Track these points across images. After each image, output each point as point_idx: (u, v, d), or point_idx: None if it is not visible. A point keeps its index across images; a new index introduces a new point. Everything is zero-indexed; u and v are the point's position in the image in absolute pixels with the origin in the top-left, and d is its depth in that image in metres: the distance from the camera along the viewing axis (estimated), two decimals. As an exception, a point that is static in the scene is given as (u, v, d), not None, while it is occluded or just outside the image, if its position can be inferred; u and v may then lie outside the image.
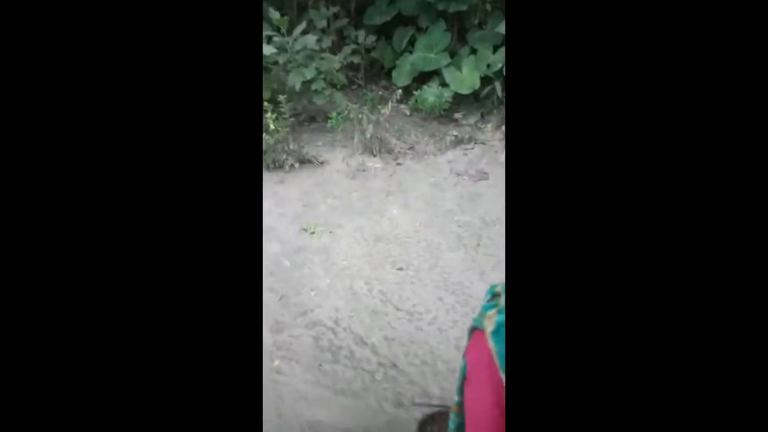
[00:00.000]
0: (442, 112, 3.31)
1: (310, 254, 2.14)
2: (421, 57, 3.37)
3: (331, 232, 2.30)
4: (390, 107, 2.96)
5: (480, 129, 3.36)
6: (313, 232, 2.28)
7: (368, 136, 2.90)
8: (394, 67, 3.87)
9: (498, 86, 3.24)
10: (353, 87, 3.95)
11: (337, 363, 1.62)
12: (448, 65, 3.29)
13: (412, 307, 1.85)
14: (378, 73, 4.17)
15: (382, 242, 2.23)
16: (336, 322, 1.78)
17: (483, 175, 2.83)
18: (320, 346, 1.68)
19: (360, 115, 3.02)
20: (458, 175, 2.84)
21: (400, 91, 3.04)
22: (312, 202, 2.55)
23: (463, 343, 1.68)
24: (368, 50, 3.92)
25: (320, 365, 1.61)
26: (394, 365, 1.60)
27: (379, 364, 1.61)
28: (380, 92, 3.90)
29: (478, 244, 2.21)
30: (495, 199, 2.58)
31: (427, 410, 1.47)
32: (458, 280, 2.00)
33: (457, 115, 3.48)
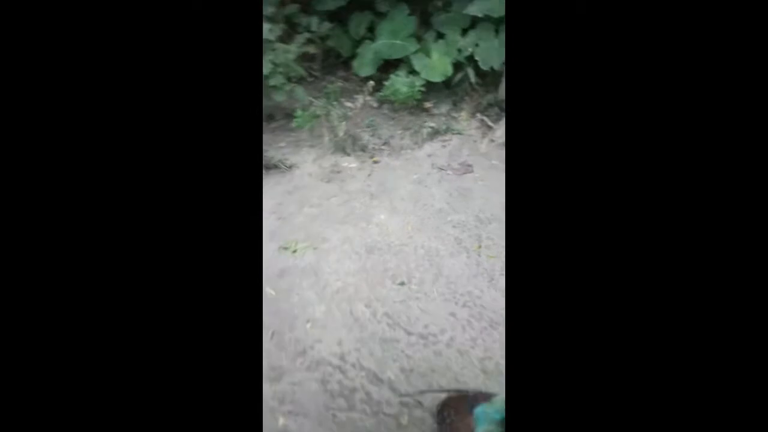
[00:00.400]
0: (415, 103, 3.08)
1: (297, 277, 1.85)
2: (386, 44, 3.11)
3: (315, 248, 2.02)
4: (363, 100, 2.69)
5: (454, 118, 3.18)
6: (294, 251, 1.99)
7: (341, 133, 2.62)
8: (353, 57, 3.59)
9: (471, 72, 3.07)
10: (310, 80, 3.62)
11: (353, 410, 1.37)
12: (416, 52, 3.06)
13: (425, 329, 1.63)
14: (335, 63, 3.86)
15: (376, 253, 1.98)
16: (342, 358, 1.52)
17: (467, 168, 2.66)
18: (330, 391, 1.42)
19: (327, 111, 2.73)
20: (441, 169, 2.65)
21: (372, 82, 2.77)
22: (287, 214, 2.24)
23: (489, 365, 1.51)
24: (323, 39, 3.60)
25: (334, 416, 1.35)
26: (419, 404, 1.38)
27: (402, 404, 1.39)
28: (340, 84, 3.61)
29: (480, 246, 2.03)
30: (486, 194, 2.42)
31: (443, 396, 1.36)
32: (467, 290, 1.80)
33: (428, 105, 3.27)
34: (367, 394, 1.41)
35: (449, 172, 2.62)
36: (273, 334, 1.60)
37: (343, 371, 1.48)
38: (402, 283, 1.83)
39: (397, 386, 1.43)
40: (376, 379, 1.45)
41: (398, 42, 3.10)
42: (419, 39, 3.18)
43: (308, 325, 1.64)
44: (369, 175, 2.59)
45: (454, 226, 2.17)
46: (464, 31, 3.11)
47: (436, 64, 3.05)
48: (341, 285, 1.82)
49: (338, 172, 2.60)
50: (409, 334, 1.61)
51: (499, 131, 2.88)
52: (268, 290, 1.78)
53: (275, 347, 1.55)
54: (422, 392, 1.40)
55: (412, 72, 3.11)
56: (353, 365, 1.50)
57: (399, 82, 2.93)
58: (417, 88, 2.94)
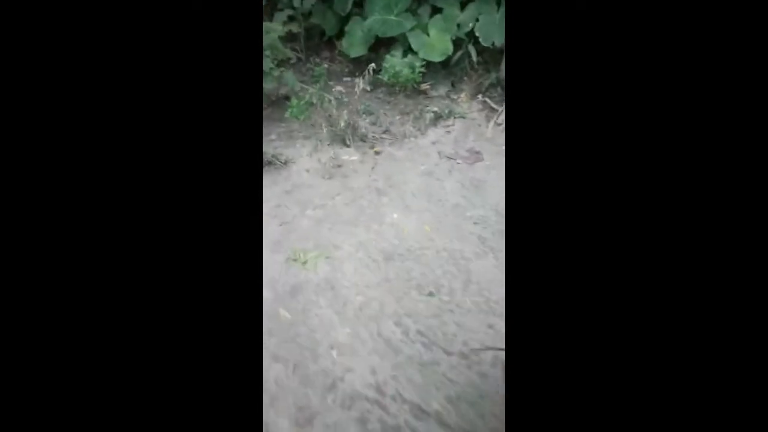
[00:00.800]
0: (412, 85, 2.84)
1: (312, 294, 1.64)
2: (379, 20, 2.83)
3: (327, 257, 1.80)
4: (360, 84, 2.43)
5: (453, 100, 2.96)
6: (305, 262, 1.77)
7: (342, 124, 2.36)
8: (339, 35, 3.29)
9: (472, 50, 2.84)
10: (292, 61, 3.30)
11: (401, 453, 1.20)
12: (413, 29, 2.79)
13: (464, 346, 1.47)
14: (318, 43, 3.54)
15: (396, 260, 1.79)
16: (378, 389, 1.34)
17: (477, 156, 2.47)
18: (371, 433, 1.24)
19: (323, 98, 2.46)
20: (449, 158, 2.45)
21: (372, 65, 2.49)
22: (289, 218, 2.00)
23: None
24: (305, 16, 3.27)
25: (381, 463, 1.18)
26: (475, 440, 1.23)
27: (455, 441, 1.23)
28: (326, 65, 3.31)
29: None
30: (501, 184, 2.24)
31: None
32: (501, 296, 1.64)
33: (425, 86, 3.03)
34: (413, 431, 1.24)
35: (459, 161, 2.43)
36: (295, 367, 1.39)
37: (382, 406, 1.30)
38: (431, 294, 1.65)
39: (447, 419, 1.27)
40: (421, 412, 1.28)
41: (393, 18, 2.83)
42: (414, 14, 2.92)
43: (334, 353, 1.44)
44: (373, 168, 2.36)
45: (474, 223, 1.99)
46: (462, 5, 2.86)
47: (435, 42, 2.81)
48: (363, 300, 1.62)
49: (339, 166, 2.36)
50: (449, 354, 1.44)
51: (505, 114, 2.69)
52: (282, 312, 1.56)
53: (300, 383, 1.35)
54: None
55: (409, 51, 2.86)
56: (393, 398, 1.32)
57: (396, 63, 2.67)
58: (418, 70, 2.69)
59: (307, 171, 2.32)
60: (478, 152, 2.50)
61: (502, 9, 2.75)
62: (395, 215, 2.03)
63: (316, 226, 1.96)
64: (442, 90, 3.03)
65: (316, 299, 1.62)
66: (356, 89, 2.46)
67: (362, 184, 2.24)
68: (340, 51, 3.38)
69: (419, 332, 1.51)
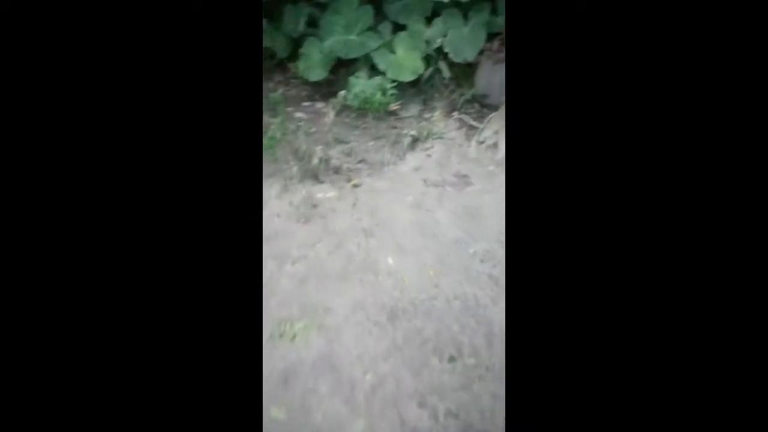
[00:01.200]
0: (387, 108, 2.60)
1: (309, 379, 1.31)
2: (340, 41, 2.58)
3: (319, 325, 1.47)
4: (330, 109, 2.15)
5: (428, 120, 2.75)
6: (293, 337, 1.43)
7: (315, 161, 2.06)
8: (290, 57, 3.01)
9: (443, 66, 2.65)
10: (243, 89, 2.97)
11: None
12: (378, 48, 2.56)
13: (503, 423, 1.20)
14: (269, 66, 3.23)
15: (402, 318, 1.50)
16: (417, 508, 1.03)
17: (465, 180, 2.25)
18: None
19: (289, 130, 2.15)
20: (436, 186, 2.21)
21: (343, 92, 2.22)
22: (266, 278, 1.66)
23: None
24: (254, 38, 2.96)
25: None
26: None
27: None
28: (281, 90, 3.01)
29: (522, 283, 1.64)
30: (497, 210, 2.03)
31: None
32: (532, 349, 1.40)
33: (395, 107, 2.80)
34: None
35: (447, 188, 2.20)
36: (304, 492, 1.06)
37: None
38: (452, 359, 1.37)
39: None
40: None
41: (354, 38, 2.59)
42: (375, 31, 2.70)
43: (351, 462, 1.12)
44: (354, 204, 2.07)
45: (481, 261, 1.75)
46: (428, 20, 2.68)
47: (404, 61, 2.59)
48: (374, 379, 1.31)
49: (314, 206, 2.05)
50: (492, 439, 1.17)
51: (487, 131, 2.51)
52: (273, 413, 1.21)
53: None
54: None
55: (375, 71, 2.62)
56: None
57: (367, 86, 2.42)
58: (390, 92, 2.46)
59: (278, 216, 1.99)
60: (465, 176, 2.28)
61: (470, 23, 2.59)
62: (390, 260, 1.75)
63: (299, 285, 1.63)
64: (414, 110, 2.82)
65: (314, 386, 1.29)
66: (325, 118, 2.18)
67: (345, 225, 1.94)
68: (294, 74, 3.10)
69: (450, 413, 1.22)
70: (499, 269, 1.70)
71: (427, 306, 1.54)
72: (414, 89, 2.85)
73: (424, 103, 2.84)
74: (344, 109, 2.72)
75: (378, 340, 1.42)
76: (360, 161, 2.37)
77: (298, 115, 2.75)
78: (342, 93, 2.21)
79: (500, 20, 2.54)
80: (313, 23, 2.85)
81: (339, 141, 2.45)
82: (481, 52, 2.59)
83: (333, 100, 2.22)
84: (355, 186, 2.20)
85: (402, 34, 2.63)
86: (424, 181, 2.24)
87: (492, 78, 2.57)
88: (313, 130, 2.47)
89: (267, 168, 2.25)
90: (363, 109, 2.60)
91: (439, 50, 2.63)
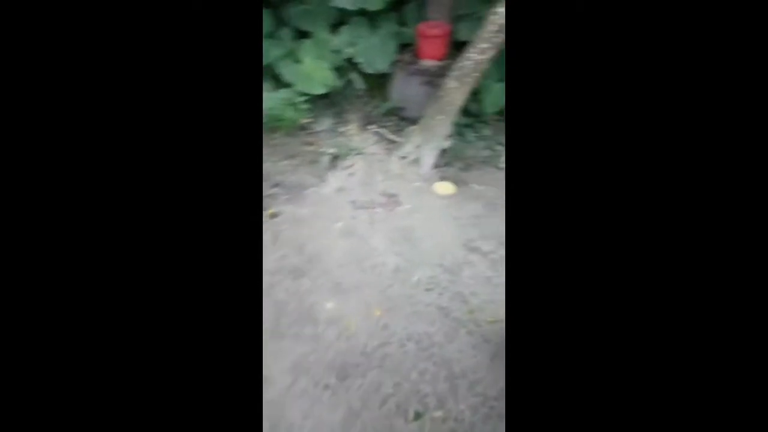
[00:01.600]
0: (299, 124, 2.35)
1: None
2: (238, 48, 2.26)
3: (256, 402, 1.21)
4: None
5: (343, 134, 2.57)
6: (225, 425, 1.14)
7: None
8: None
9: (357, 78, 2.49)
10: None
11: None
12: (282, 57, 2.30)
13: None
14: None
15: (355, 375, 1.30)
16: None
17: (394, 200, 2.12)
18: None
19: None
20: (365, 208, 2.05)
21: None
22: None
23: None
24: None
25: None
26: None
27: None
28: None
29: (472, 311, 1.56)
30: (432, 231, 1.94)
31: None
32: (499, 389, 1.32)
33: (306, 120, 2.57)
34: None
35: (377, 209, 2.04)
36: None
37: None
38: (418, 416, 1.22)
39: None
40: None
41: (254, 45, 2.29)
42: (274, 37, 2.42)
43: None
44: (276, 239, 1.81)
45: (426, 289, 1.63)
46: (334, 28, 2.49)
47: (312, 72, 2.37)
48: (335, 463, 1.09)
49: (228, 246, 1.73)
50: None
51: (408, 146, 2.41)
52: None
53: None
54: None
55: (278, 81, 2.35)
56: None
57: (276, 102, 2.15)
58: (302, 107, 2.22)
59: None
60: (394, 194, 2.15)
61: (380, 32, 2.47)
62: (329, 305, 1.53)
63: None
64: (326, 123, 2.61)
65: (262, 490, 1.03)
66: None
67: (269, 266, 1.67)
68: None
69: (429, 487, 1.07)
70: (445, 297, 1.59)
71: (379, 355, 1.37)
72: (325, 101, 2.64)
73: (338, 116, 2.65)
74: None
75: (330, 409, 1.21)
76: (275, 185, 2.10)
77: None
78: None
79: (410, 31, 2.46)
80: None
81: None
82: (393, 63, 2.49)
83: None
84: (273, 216, 1.93)
85: (307, 42, 2.40)
86: (352, 203, 2.06)
87: (407, 90, 2.48)
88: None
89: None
90: (285, 130, 2.33)
91: (350, 60, 2.46)
